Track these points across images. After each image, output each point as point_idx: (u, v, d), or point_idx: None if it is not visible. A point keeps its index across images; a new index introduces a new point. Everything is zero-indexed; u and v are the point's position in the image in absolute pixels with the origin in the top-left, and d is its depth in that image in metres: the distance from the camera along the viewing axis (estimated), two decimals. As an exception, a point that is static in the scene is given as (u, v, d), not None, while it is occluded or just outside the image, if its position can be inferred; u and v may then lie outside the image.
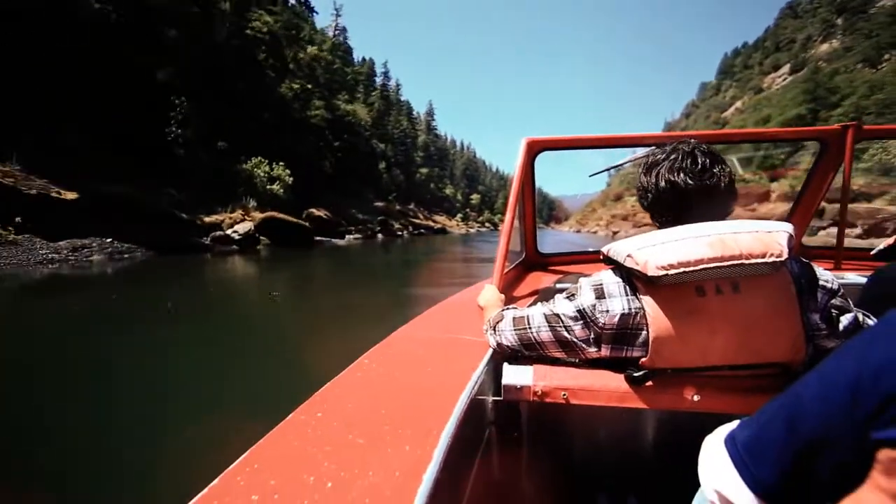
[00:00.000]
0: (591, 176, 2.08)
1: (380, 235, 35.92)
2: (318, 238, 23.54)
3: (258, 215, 19.83)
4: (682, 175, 0.85)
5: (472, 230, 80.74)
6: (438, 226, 57.67)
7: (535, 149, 1.85)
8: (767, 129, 2.22)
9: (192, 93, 22.63)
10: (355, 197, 44.49)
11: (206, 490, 0.48)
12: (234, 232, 18.02)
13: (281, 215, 20.50)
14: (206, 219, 17.90)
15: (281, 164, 24.62)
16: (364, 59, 74.07)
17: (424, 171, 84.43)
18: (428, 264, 16.93)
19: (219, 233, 17.37)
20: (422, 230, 48.05)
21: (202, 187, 20.05)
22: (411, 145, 79.23)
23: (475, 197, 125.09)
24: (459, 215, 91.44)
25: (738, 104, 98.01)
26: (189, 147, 21.73)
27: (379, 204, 48.86)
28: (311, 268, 15.13)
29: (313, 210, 25.76)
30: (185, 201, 18.26)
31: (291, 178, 24.88)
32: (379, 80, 72.33)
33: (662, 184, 0.87)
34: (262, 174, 23.36)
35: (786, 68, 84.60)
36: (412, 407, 0.69)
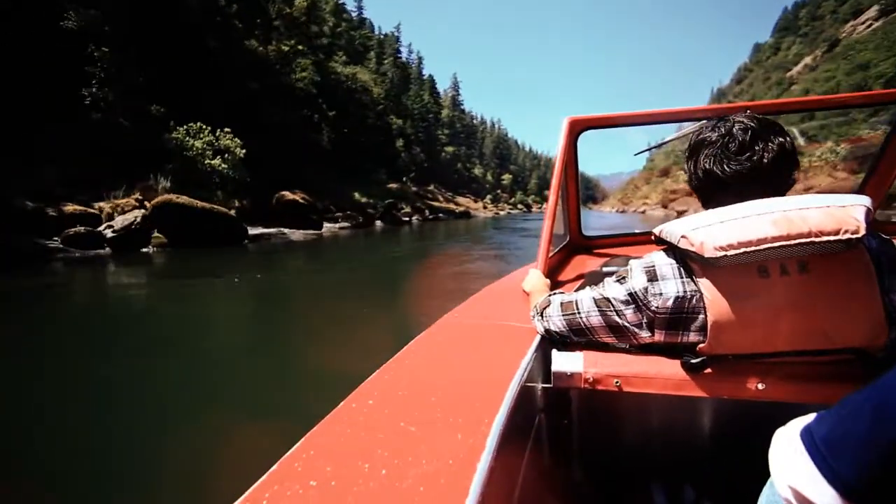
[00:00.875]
0: (636, 155, 1.95)
1: (379, 223, 29.49)
2: (264, 231, 16.94)
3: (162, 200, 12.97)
4: (718, 161, 0.80)
5: (501, 213, 73.73)
6: (461, 209, 49.76)
7: (578, 128, 1.80)
8: (833, 96, 1.81)
9: (120, 45, 17.17)
10: (362, 177, 38.95)
11: (265, 475, 0.49)
12: (109, 227, 11.89)
13: (183, 199, 13.21)
14: (69, 208, 11.80)
15: (228, 132, 18.56)
16: (386, 34, 67.99)
17: (450, 149, 77.99)
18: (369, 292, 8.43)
19: (79, 229, 11.20)
20: (440, 214, 41.75)
21: (112, 164, 14.60)
22: (434, 122, 72.73)
23: (507, 177, 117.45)
24: (489, 196, 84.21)
25: (808, 60, 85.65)
26: (110, 112, 16.37)
27: (393, 185, 43.17)
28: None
29: (286, 193, 19.95)
30: (75, 183, 12.84)
31: (244, 151, 18.66)
32: (403, 55, 65.82)
33: (700, 173, 0.84)
34: (199, 146, 17.47)
35: (872, 11, 71.91)
36: (462, 394, 0.68)
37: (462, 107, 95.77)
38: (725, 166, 0.79)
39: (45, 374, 3.94)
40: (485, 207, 67.65)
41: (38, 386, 3.65)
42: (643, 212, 66.43)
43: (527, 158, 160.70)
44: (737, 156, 0.78)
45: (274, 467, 0.50)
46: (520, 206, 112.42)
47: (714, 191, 0.83)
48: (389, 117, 56.74)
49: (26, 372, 3.98)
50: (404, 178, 45.37)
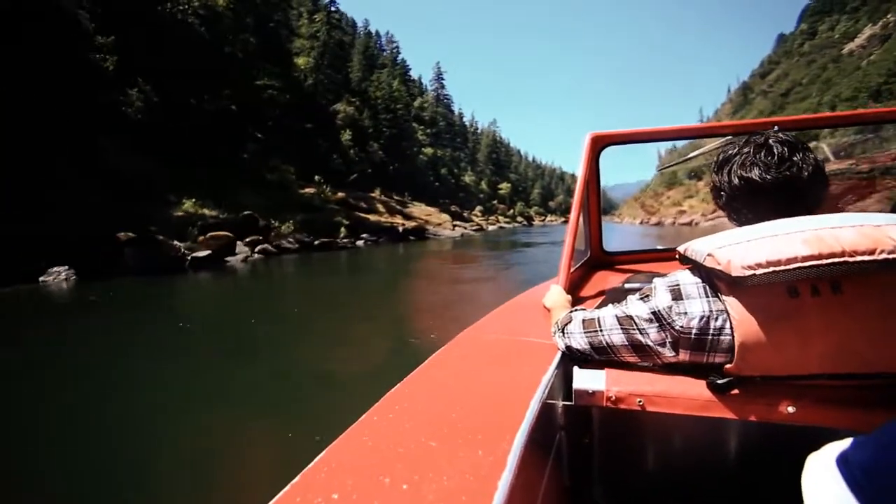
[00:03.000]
0: (660, 170, 1.80)
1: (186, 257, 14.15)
2: None
3: None
4: (756, 170, 0.79)
5: (489, 228, 58.40)
6: (412, 224, 31.65)
7: (600, 144, 1.81)
8: (867, 111, 1.80)
9: None
10: (240, 175, 23.82)
11: (288, 487, 0.49)
12: None
13: None
14: None
15: None
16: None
17: (429, 151, 63.14)
18: None
19: None
20: (367, 237, 25.12)
21: None
22: (405, 116, 57.90)
23: (504, 186, 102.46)
24: (479, 208, 68.65)
25: (868, 32, 70.12)
26: None
27: (309, 190, 27.96)
28: None
29: None
30: None
31: None
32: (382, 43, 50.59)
33: (736, 181, 0.81)
34: None
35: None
36: (483, 410, 0.68)
37: (449, 102, 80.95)
38: (766, 174, 0.77)
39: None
40: (465, 220, 51.72)
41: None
42: (691, 223, 50.47)
43: (529, 168, 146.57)
44: (777, 166, 0.77)
45: (296, 479, 0.50)
46: (519, 218, 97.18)
47: (747, 202, 0.80)
48: (325, 100, 41.83)
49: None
50: (319, 179, 29.78)
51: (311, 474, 0.51)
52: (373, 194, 36.39)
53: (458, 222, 46.00)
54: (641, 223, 54.21)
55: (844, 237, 0.64)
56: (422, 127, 66.61)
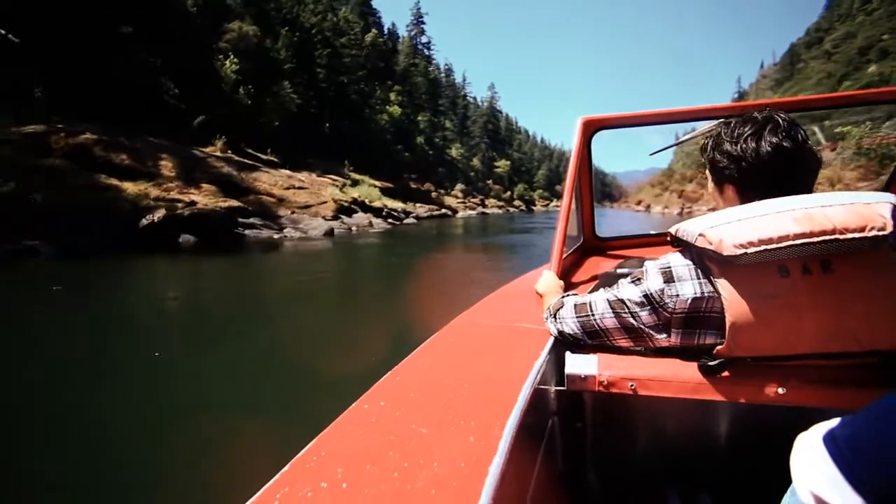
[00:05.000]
0: (651, 154, 1.81)
1: None
2: None
3: None
4: (756, 140, 0.78)
5: (467, 213, 43.39)
6: (220, 205, 14.30)
7: (592, 128, 1.76)
8: (859, 91, 1.77)
9: None
10: None
11: (277, 476, 0.49)
12: None
13: None
14: None
15: None
16: None
17: (394, 110, 48.11)
18: None
19: None
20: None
21: None
22: (358, 56, 42.66)
23: (502, 164, 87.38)
24: (461, 187, 53.39)
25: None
26: None
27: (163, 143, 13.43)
28: None
29: None
30: None
31: None
32: None
33: (768, 148, 0.77)
34: None
35: None
36: (475, 396, 0.68)
37: (431, 55, 65.05)
38: (767, 144, 0.76)
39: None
40: (429, 201, 37.05)
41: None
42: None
43: (536, 148, 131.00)
44: (803, 142, 0.77)
45: (285, 468, 0.50)
46: (518, 201, 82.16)
47: (779, 170, 0.77)
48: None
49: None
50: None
51: (301, 463, 0.51)
52: (209, 149, 20.21)
53: (400, 204, 31.18)
54: (682, 213, 39.65)
55: (835, 215, 0.65)
56: (390, 82, 51.38)
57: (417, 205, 34.79)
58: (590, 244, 2.11)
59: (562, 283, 1.20)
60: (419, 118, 58.15)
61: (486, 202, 62.03)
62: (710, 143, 0.85)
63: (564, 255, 1.43)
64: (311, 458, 0.52)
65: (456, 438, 0.56)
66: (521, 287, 1.46)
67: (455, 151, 67.11)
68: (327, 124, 36.40)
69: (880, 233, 0.63)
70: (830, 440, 0.40)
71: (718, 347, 0.72)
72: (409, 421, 0.60)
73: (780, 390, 0.71)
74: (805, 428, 0.46)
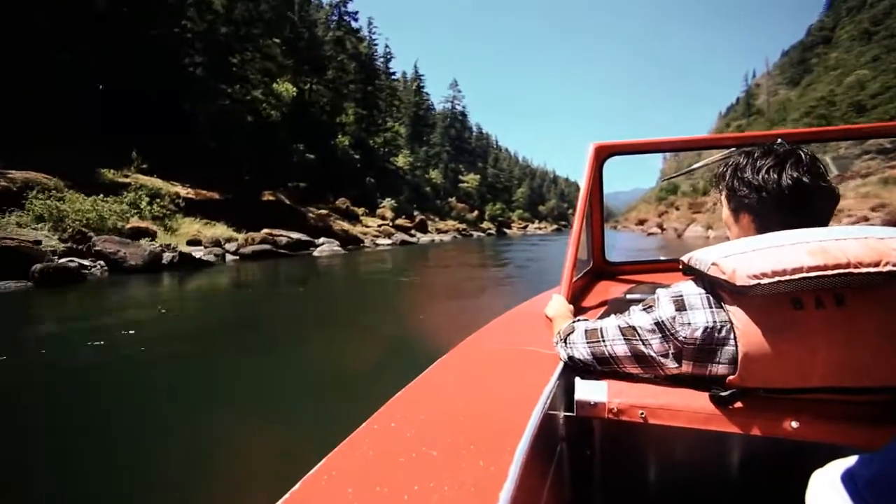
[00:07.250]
0: (664, 181, 2.01)
1: None
2: None
3: None
4: (808, 176, 0.77)
5: (381, 243, 27.57)
6: None
7: (603, 154, 1.80)
8: (874, 124, 1.75)
9: None
10: None
11: (287, 495, 0.49)
12: None
13: None
14: None
15: None
16: None
17: (286, 88, 32.57)
18: None
19: None
20: None
21: None
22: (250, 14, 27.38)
23: (470, 179, 72.52)
24: (390, 202, 36.99)
25: None
26: None
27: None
28: None
29: None
30: None
31: None
32: None
33: (789, 181, 0.77)
34: None
35: None
36: (484, 420, 0.68)
37: (360, 31, 49.87)
38: (787, 178, 0.76)
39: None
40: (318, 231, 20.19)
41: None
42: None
43: (515, 166, 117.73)
44: (801, 171, 0.77)
45: (296, 487, 0.50)
46: (487, 223, 66.75)
47: (764, 206, 0.78)
48: None
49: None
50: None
51: (311, 482, 0.51)
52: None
53: (219, 231, 15.31)
54: (682, 235, 24.79)
55: (849, 249, 0.64)
56: (284, 46, 36.10)
57: (275, 231, 18.68)
58: (600, 268, 2.12)
59: (571, 307, 1.20)
60: (349, 111, 42.70)
61: (441, 225, 46.21)
62: (728, 171, 0.84)
63: (574, 279, 1.42)
64: (321, 478, 0.51)
65: (466, 462, 0.55)
66: (530, 310, 1.45)
67: (402, 160, 51.67)
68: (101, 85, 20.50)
69: (895, 268, 0.62)
70: (849, 480, 0.39)
71: (730, 378, 0.71)
72: (419, 443, 0.59)
73: (794, 424, 0.70)
74: (819, 463, 0.45)
